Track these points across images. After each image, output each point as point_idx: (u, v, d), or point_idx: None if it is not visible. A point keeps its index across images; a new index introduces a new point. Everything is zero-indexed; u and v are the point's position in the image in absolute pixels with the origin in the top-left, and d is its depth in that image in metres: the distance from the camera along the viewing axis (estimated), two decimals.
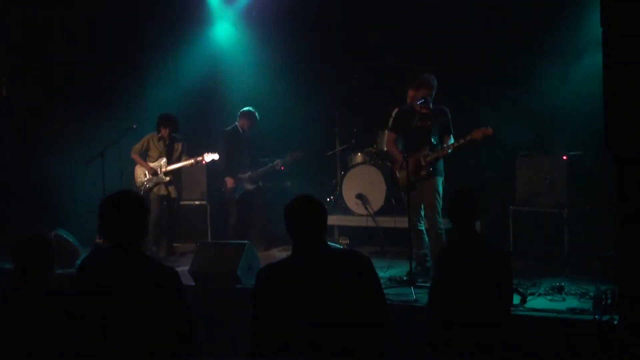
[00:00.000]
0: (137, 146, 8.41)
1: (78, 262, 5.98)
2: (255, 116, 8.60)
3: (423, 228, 7.02)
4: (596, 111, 5.61)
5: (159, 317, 3.26)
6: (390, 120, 7.82)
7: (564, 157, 7.35)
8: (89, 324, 3.27)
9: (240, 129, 8.63)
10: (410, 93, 8.23)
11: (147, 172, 8.37)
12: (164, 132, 8.33)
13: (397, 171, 7.13)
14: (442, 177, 6.96)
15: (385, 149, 7.66)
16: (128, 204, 3.35)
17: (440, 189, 6.91)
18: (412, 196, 6.86)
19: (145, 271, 3.32)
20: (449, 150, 6.81)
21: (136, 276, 3.29)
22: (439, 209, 6.89)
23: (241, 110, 8.63)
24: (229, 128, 8.66)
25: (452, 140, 6.89)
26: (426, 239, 7.02)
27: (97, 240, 5.63)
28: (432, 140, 6.88)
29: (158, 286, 3.30)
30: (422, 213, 7.00)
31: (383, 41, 8.89)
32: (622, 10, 4.52)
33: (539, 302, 5.83)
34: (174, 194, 8.44)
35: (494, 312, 4.16)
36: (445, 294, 4.23)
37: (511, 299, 4.49)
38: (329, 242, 3.56)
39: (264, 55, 9.46)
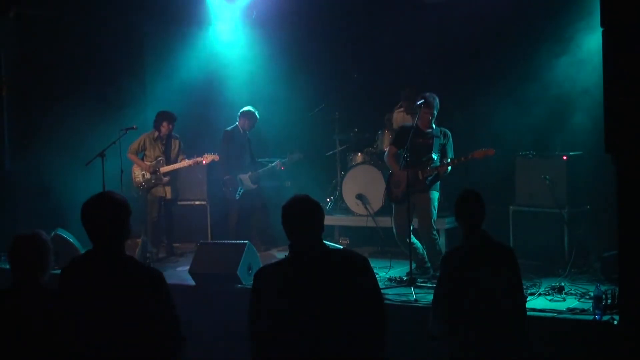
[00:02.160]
0: (134, 146, 8.34)
1: None
2: (256, 116, 8.60)
3: (413, 239, 6.96)
4: (596, 111, 5.63)
5: (143, 319, 3.24)
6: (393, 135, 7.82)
7: (564, 157, 7.35)
8: (73, 325, 3.27)
9: (240, 129, 8.62)
10: (404, 104, 8.25)
11: (145, 172, 8.34)
12: (165, 128, 8.26)
13: (391, 184, 7.11)
14: (438, 194, 6.95)
15: (386, 162, 7.58)
16: (108, 206, 3.33)
17: (436, 204, 6.91)
18: (404, 210, 6.73)
19: (127, 273, 3.30)
20: (449, 168, 6.77)
21: (118, 278, 3.27)
22: (434, 220, 6.90)
23: (241, 110, 8.63)
24: (229, 128, 8.66)
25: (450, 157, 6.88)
26: (419, 244, 7.01)
27: None
28: (433, 156, 6.86)
29: (141, 288, 3.27)
30: (412, 227, 6.92)
31: (383, 41, 8.89)
32: (622, 10, 4.52)
33: (539, 302, 5.83)
34: (169, 195, 8.39)
35: (507, 311, 4.15)
36: (453, 296, 4.19)
37: (523, 297, 4.46)
38: (328, 242, 3.56)
39: (264, 56, 9.46)
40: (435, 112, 6.85)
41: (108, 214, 3.31)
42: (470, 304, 4.13)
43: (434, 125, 6.91)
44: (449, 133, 6.97)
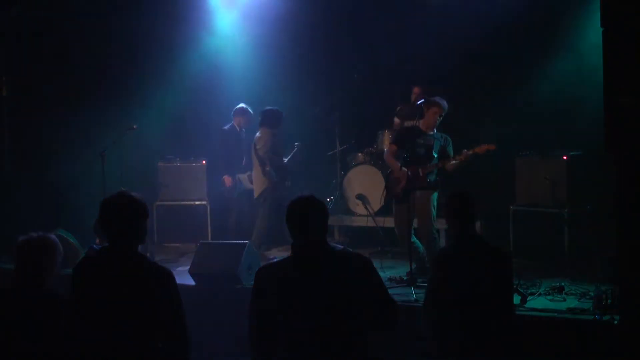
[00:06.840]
0: None
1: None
2: (249, 111, 8.59)
3: (414, 239, 6.98)
4: (596, 111, 5.63)
5: (152, 317, 3.28)
6: (394, 134, 7.83)
7: (564, 157, 7.36)
8: (84, 323, 3.31)
9: (237, 127, 8.61)
10: (416, 90, 8.24)
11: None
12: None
13: (391, 182, 7.09)
14: (437, 193, 6.92)
15: (385, 160, 7.57)
16: (127, 206, 3.36)
17: (435, 203, 6.89)
18: (404, 209, 6.76)
19: (139, 272, 3.34)
20: (450, 162, 6.73)
21: (129, 276, 3.31)
22: (434, 219, 6.88)
23: (235, 108, 8.62)
24: (226, 127, 8.65)
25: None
26: (420, 244, 7.00)
27: (97, 242, 5.62)
28: (434, 154, 6.87)
29: (151, 286, 3.31)
30: (413, 226, 6.95)
31: (383, 41, 8.89)
32: (622, 10, 4.53)
33: (539, 302, 5.84)
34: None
35: (494, 313, 4.14)
36: (442, 295, 4.18)
37: (511, 300, 4.46)
38: (329, 243, 3.55)
39: (264, 56, 9.45)
40: (443, 114, 6.84)
41: (131, 213, 3.35)
42: (456, 305, 4.11)
43: (435, 130, 6.91)
44: (450, 138, 6.97)
